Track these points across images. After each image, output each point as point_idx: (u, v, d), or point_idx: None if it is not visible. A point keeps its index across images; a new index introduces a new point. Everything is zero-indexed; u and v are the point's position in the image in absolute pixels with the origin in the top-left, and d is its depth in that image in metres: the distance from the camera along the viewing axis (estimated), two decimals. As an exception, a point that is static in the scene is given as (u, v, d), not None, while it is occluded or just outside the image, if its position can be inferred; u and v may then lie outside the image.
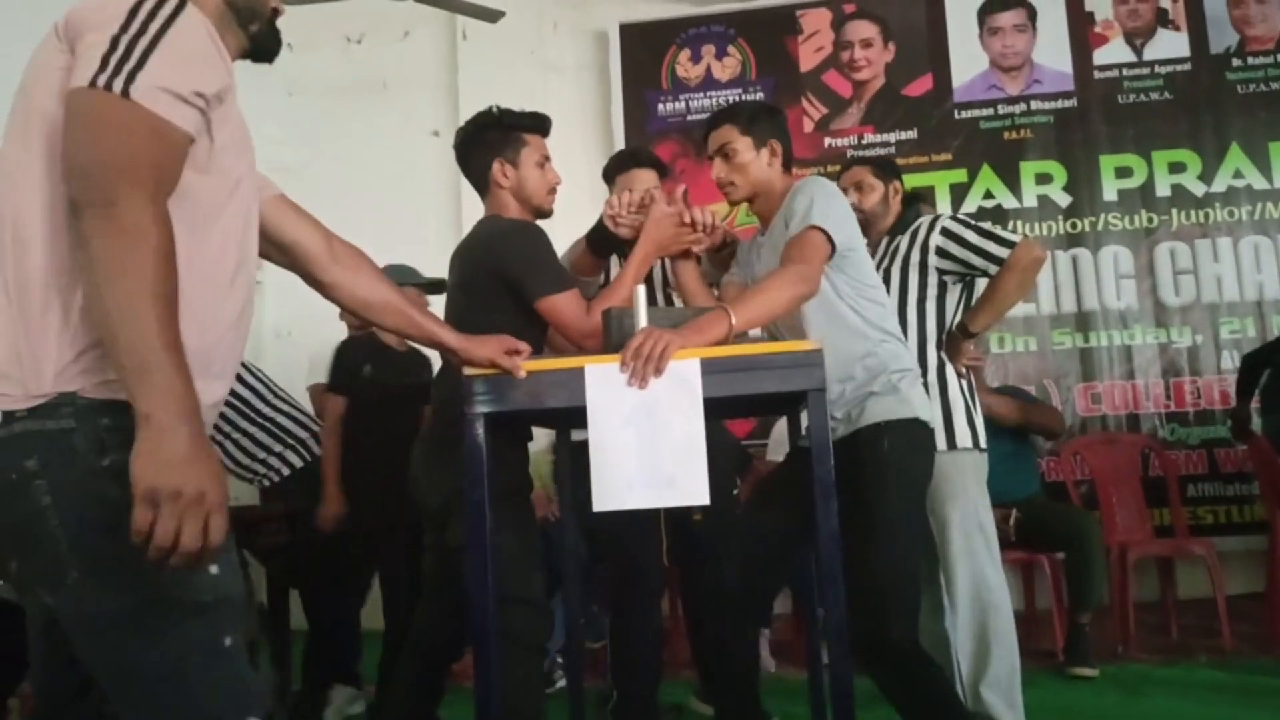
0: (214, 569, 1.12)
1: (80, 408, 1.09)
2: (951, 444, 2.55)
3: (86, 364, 1.09)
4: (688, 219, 2.25)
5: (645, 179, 2.70)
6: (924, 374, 2.54)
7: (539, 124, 2.32)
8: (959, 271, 2.64)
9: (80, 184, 1.04)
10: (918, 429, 2.09)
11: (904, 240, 2.70)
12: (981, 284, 2.71)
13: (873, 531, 1.99)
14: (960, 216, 2.70)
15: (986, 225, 2.66)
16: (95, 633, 1.09)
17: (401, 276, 3.02)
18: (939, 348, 2.64)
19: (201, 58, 1.13)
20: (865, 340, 2.10)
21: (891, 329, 2.18)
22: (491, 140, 2.28)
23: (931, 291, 2.64)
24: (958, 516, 2.53)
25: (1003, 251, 2.55)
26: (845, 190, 2.76)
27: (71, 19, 1.11)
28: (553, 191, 2.33)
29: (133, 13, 1.08)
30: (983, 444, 2.63)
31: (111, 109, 1.05)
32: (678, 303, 2.58)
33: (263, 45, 1.32)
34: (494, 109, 2.32)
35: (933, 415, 2.50)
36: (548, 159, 2.33)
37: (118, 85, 1.05)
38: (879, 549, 1.99)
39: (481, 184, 2.32)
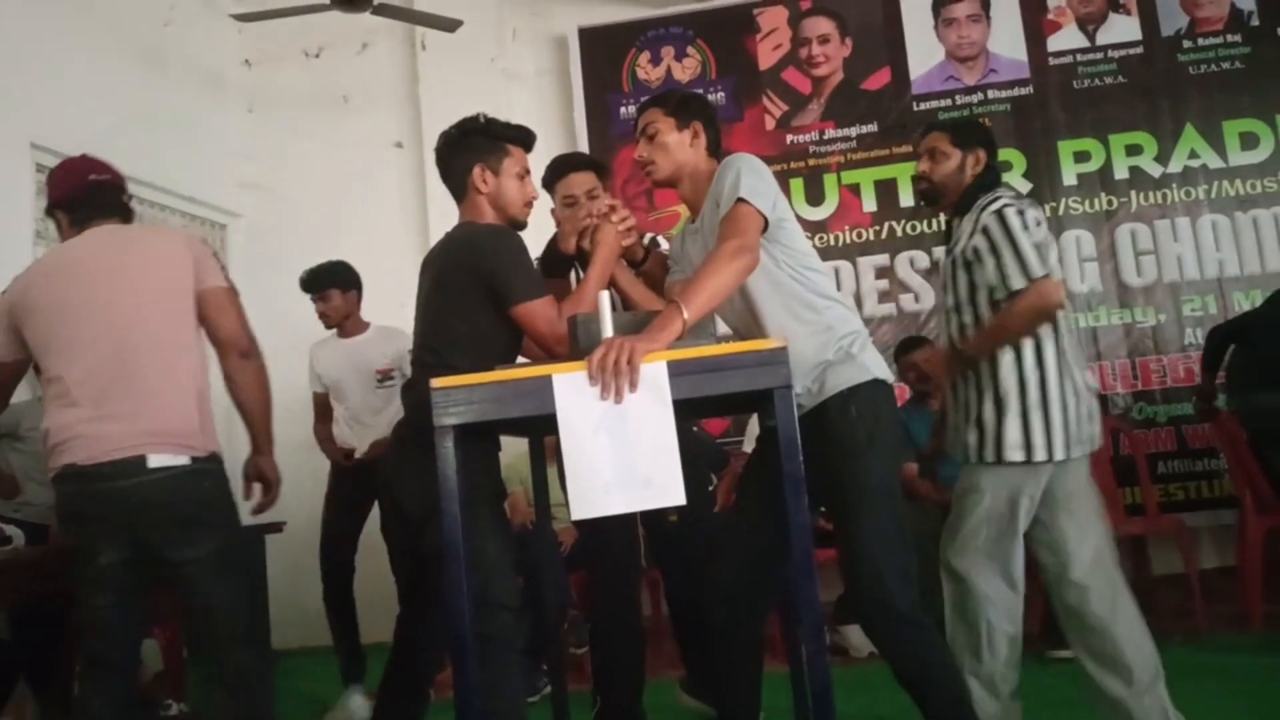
0: None
1: (218, 456, 2.31)
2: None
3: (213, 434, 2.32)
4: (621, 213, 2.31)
5: (583, 181, 2.72)
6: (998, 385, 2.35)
7: (524, 137, 2.34)
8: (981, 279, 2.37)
9: (246, 341, 2.36)
10: (880, 390, 2.12)
11: (962, 224, 2.44)
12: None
13: (857, 502, 2.02)
14: (1014, 217, 2.30)
15: (1029, 240, 2.28)
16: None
17: None
18: (990, 367, 2.37)
19: None
20: (812, 309, 2.12)
21: (834, 294, 2.19)
22: (476, 145, 2.29)
23: (982, 295, 2.38)
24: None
25: (1018, 281, 2.27)
26: (920, 157, 2.57)
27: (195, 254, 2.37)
28: (529, 205, 2.34)
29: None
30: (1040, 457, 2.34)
31: (237, 298, 2.39)
32: None
33: None
34: (481, 116, 2.33)
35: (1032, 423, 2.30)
36: (528, 172, 2.35)
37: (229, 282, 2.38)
38: (865, 518, 2.01)
39: (459, 188, 2.32)
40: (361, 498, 3.69)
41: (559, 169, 2.76)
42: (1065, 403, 2.32)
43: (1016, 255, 2.27)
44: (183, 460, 2.20)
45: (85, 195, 2.36)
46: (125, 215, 2.43)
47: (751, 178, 2.06)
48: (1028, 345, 2.33)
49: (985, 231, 2.32)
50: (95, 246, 2.31)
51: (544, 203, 2.54)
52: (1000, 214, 2.31)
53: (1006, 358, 2.34)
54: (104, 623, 2.21)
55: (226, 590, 2.23)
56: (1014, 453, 2.31)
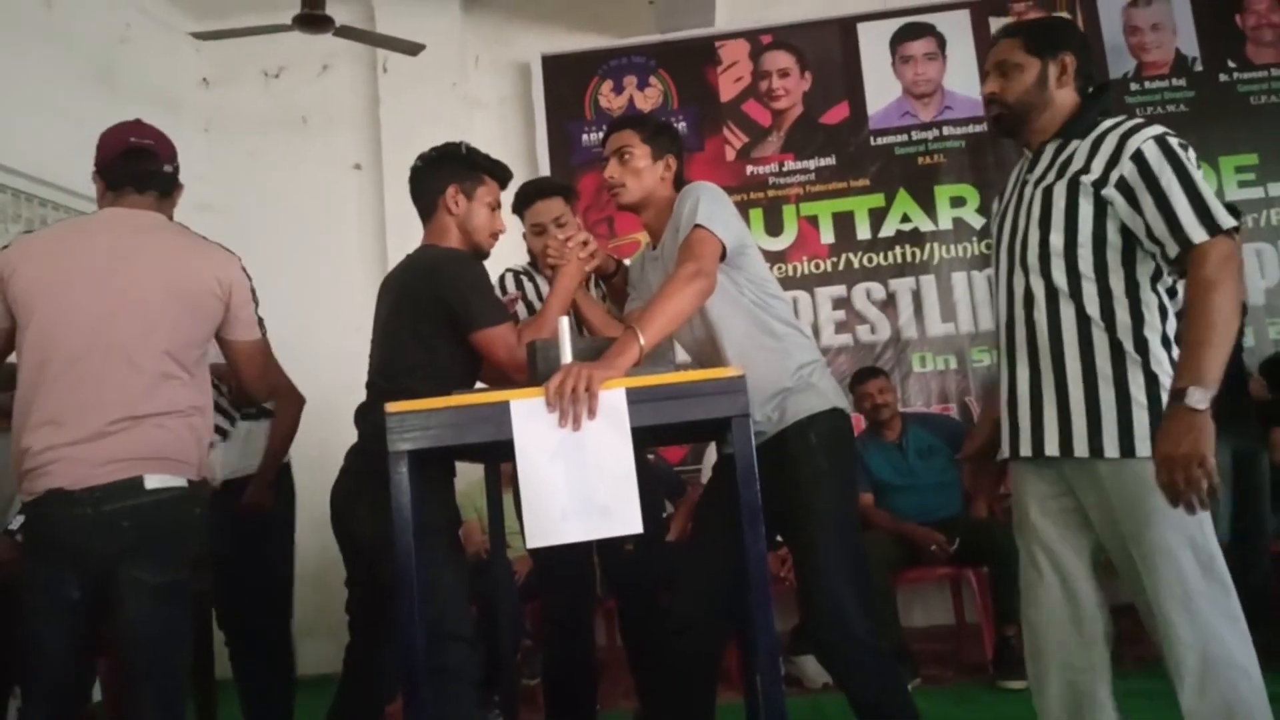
0: None
1: (207, 483, 2.19)
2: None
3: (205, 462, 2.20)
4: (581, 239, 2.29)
5: (550, 209, 2.72)
6: (1095, 362, 1.81)
7: (501, 172, 2.36)
8: (1126, 225, 1.80)
9: (261, 396, 2.61)
10: (838, 418, 2.13)
11: (1082, 149, 1.87)
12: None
13: (817, 529, 2.02)
14: (1181, 150, 1.78)
15: (1200, 179, 1.75)
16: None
17: None
18: (1135, 328, 1.79)
19: None
20: (773, 335, 2.13)
21: (794, 322, 2.20)
22: (454, 168, 2.30)
23: (1114, 238, 1.81)
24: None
25: (1197, 233, 1.70)
26: (986, 75, 2.00)
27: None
28: (495, 236, 2.35)
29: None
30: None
31: (266, 348, 2.38)
32: None
33: None
34: (463, 146, 2.35)
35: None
36: (500, 205, 2.36)
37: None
38: (825, 545, 2.02)
39: (429, 208, 2.31)
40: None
41: (527, 196, 2.76)
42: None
43: (1194, 199, 1.72)
44: (180, 483, 2.05)
45: (121, 159, 2.20)
46: (164, 188, 2.26)
47: (710, 204, 2.08)
48: (1154, 316, 1.82)
49: (1140, 160, 1.77)
50: (121, 246, 2.11)
51: (514, 227, 2.54)
52: (1163, 142, 1.78)
53: (1129, 329, 1.81)
54: (51, 653, 2.01)
55: (165, 619, 2.03)
56: (1145, 446, 1.77)
